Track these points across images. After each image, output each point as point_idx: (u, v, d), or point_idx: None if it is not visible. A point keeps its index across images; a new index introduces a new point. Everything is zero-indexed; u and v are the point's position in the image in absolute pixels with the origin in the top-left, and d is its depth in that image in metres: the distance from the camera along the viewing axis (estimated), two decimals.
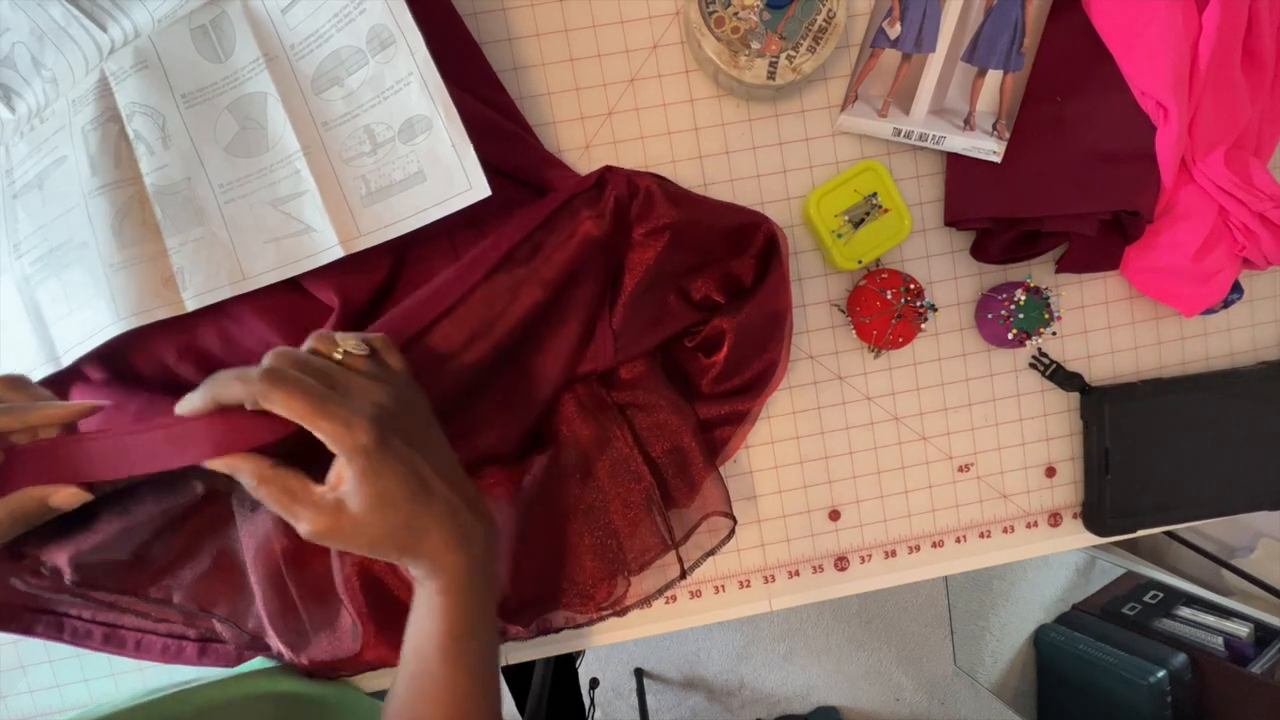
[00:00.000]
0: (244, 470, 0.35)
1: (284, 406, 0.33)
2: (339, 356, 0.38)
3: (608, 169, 0.51)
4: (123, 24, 0.47)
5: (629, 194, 0.50)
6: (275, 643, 0.52)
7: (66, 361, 0.49)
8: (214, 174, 0.48)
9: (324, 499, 0.35)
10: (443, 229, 0.51)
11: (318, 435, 0.34)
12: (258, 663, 0.54)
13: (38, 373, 0.50)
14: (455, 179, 0.45)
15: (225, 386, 0.34)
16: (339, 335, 0.38)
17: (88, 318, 0.48)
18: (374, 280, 0.50)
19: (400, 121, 0.45)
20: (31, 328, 0.50)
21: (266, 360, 0.35)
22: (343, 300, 0.48)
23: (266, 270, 0.47)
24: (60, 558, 0.46)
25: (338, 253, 0.46)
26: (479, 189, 0.44)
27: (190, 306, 0.47)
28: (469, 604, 0.39)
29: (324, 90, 0.46)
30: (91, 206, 0.48)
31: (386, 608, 0.51)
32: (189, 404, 0.35)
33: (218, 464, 0.35)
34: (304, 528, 0.35)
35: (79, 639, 0.55)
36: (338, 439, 0.34)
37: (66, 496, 0.36)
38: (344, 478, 0.35)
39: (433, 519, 0.37)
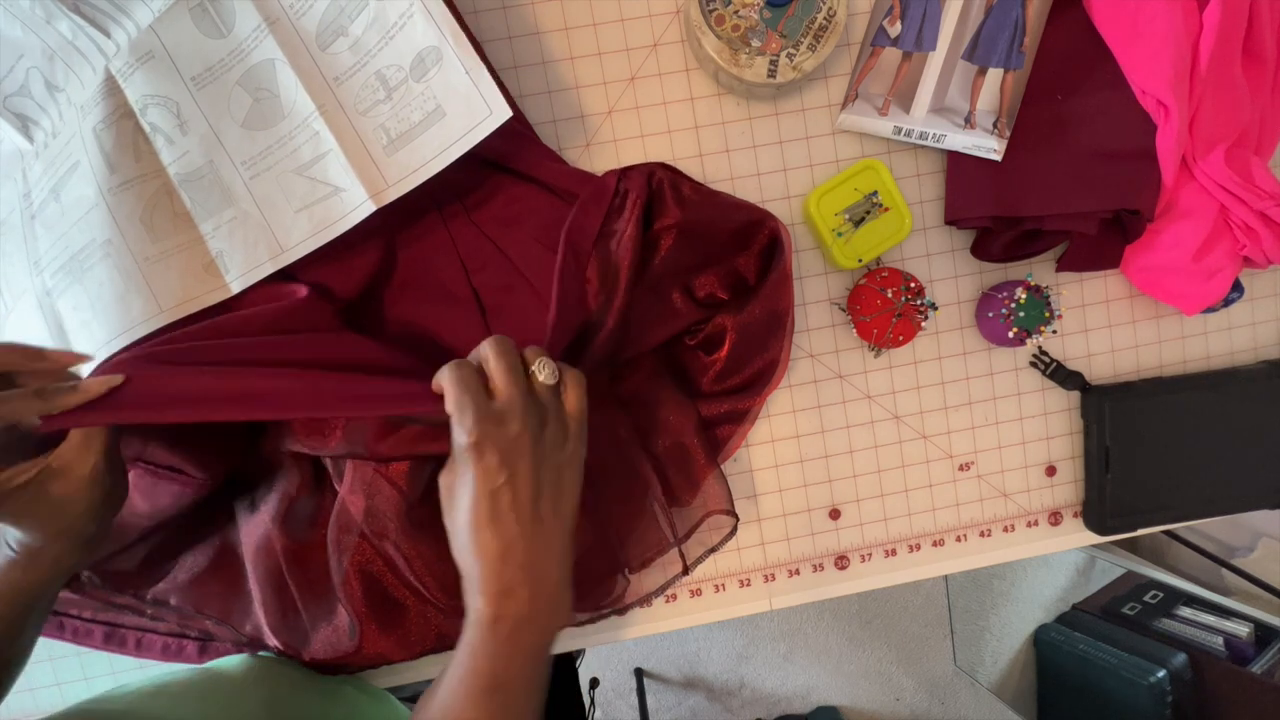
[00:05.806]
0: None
1: (450, 391, 0.37)
2: (534, 371, 0.39)
3: (623, 173, 0.51)
4: (125, 25, 0.47)
5: (648, 196, 0.50)
6: (274, 642, 0.52)
7: (102, 356, 0.47)
8: (235, 152, 0.47)
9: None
10: (430, 202, 0.52)
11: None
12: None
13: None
14: (475, 108, 0.44)
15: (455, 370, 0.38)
16: (543, 358, 0.40)
17: (119, 313, 0.48)
18: (368, 264, 0.50)
19: (410, 59, 0.44)
20: (55, 344, 0.50)
21: (484, 345, 0.39)
22: (337, 285, 0.48)
23: (303, 239, 0.47)
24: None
25: (369, 208, 0.46)
26: (499, 112, 0.43)
27: (235, 289, 0.48)
28: (512, 654, 0.36)
29: (330, 44, 0.46)
30: (114, 203, 0.48)
31: (386, 607, 0.52)
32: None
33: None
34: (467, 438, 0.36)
35: (80, 638, 0.55)
36: (455, 436, 0.37)
37: None
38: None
39: (523, 547, 0.37)
